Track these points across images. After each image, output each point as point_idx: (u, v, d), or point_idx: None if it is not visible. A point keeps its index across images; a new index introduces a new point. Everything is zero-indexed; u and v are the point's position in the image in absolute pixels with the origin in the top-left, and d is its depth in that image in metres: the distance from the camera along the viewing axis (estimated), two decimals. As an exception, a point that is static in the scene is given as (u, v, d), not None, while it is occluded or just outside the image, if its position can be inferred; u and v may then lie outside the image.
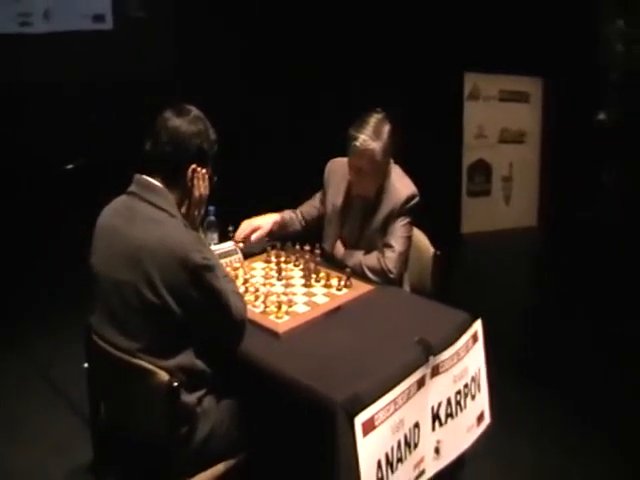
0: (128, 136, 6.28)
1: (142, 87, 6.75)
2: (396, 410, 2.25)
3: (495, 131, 6.32)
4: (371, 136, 2.84)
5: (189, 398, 2.20)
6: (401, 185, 3.00)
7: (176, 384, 2.07)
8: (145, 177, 2.24)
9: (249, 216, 3.19)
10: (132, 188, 2.27)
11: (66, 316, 4.29)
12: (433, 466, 2.48)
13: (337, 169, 3.13)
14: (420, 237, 3.26)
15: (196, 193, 2.30)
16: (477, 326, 2.67)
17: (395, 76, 6.46)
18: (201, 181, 2.30)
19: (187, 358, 2.20)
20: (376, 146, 2.84)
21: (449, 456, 2.55)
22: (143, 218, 2.19)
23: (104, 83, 6.78)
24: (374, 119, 2.89)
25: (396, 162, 3.07)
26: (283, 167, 6.35)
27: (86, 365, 3.23)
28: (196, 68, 7.05)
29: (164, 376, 2.08)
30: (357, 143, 2.84)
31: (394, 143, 2.94)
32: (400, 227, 2.96)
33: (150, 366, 2.11)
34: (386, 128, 2.89)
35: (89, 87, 6.72)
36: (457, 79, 6.13)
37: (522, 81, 6.29)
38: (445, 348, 2.48)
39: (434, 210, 3.37)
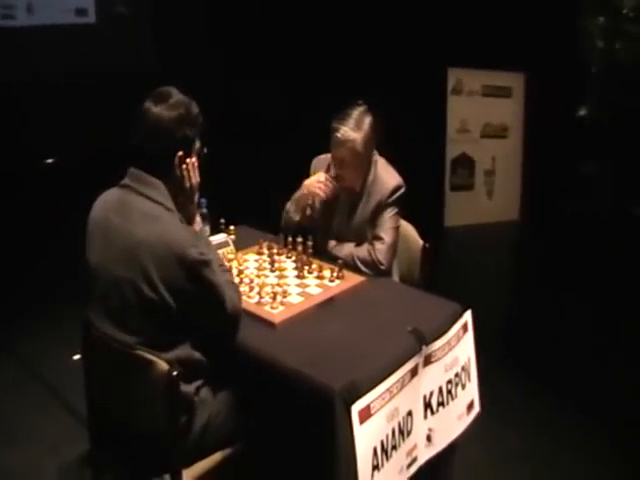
0: (112, 129, 6.32)
1: (125, 79, 6.74)
2: (391, 398, 2.29)
3: (478, 125, 6.37)
4: (352, 127, 2.89)
5: (187, 388, 2.22)
6: (387, 176, 3.05)
7: (175, 373, 2.09)
8: (139, 170, 2.23)
9: (240, 208, 3.21)
10: (126, 181, 2.25)
11: (57, 315, 4.34)
12: (425, 453, 2.52)
13: (322, 165, 3.17)
14: (409, 229, 3.31)
15: (186, 182, 2.30)
16: (467, 316, 2.72)
17: (379, 71, 6.51)
18: (190, 168, 2.29)
19: (184, 350, 2.22)
20: (357, 137, 2.89)
21: (440, 444, 2.59)
22: (139, 213, 2.18)
23: (87, 76, 6.78)
24: (356, 111, 2.94)
25: (380, 155, 3.12)
26: (273, 160, 6.37)
27: (77, 357, 3.26)
28: (179, 60, 7.05)
29: (164, 366, 2.10)
30: (338, 134, 2.90)
31: (377, 134, 2.99)
32: (388, 218, 3.02)
33: (150, 356, 2.12)
34: (367, 119, 2.94)
35: (72, 80, 6.71)
36: (441, 74, 6.17)
37: (504, 76, 6.34)
38: (437, 338, 2.52)
39: (418, 204, 3.40)
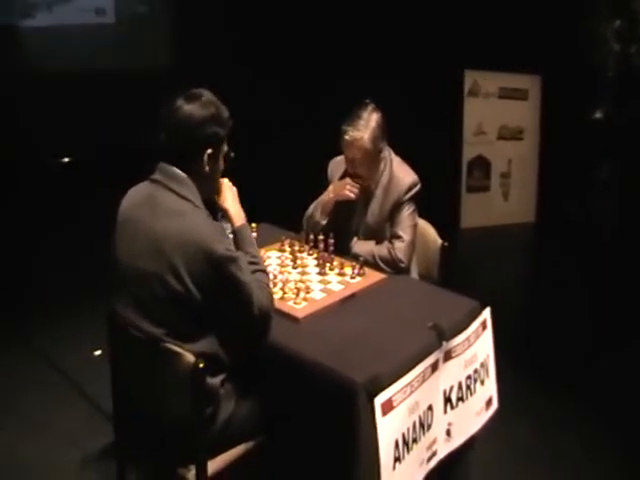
0: (130, 127, 6.38)
1: (144, 78, 6.81)
2: (412, 392, 2.33)
3: (494, 128, 6.40)
4: (359, 127, 2.98)
5: (213, 381, 2.26)
6: (403, 174, 3.12)
7: (202, 366, 2.14)
8: (168, 165, 2.28)
9: (257, 208, 3.27)
10: (156, 176, 2.30)
11: (76, 308, 4.40)
12: (445, 447, 2.57)
13: (338, 166, 3.25)
14: (427, 228, 3.35)
15: (213, 176, 2.37)
16: (486, 314, 2.76)
17: (397, 73, 6.53)
18: (217, 163, 2.35)
19: (210, 344, 2.25)
20: (364, 135, 2.97)
21: (459, 438, 2.64)
22: (167, 209, 2.23)
23: (105, 75, 6.84)
24: (364, 112, 3.02)
25: (401, 156, 3.19)
26: (290, 159, 6.40)
27: (97, 353, 3.31)
28: (197, 60, 7.10)
29: (190, 358, 2.15)
30: (346, 136, 2.99)
31: (384, 129, 3.06)
32: (406, 217, 3.08)
33: (176, 348, 2.17)
34: (374, 117, 3.02)
35: (91, 78, 6.77)
36: (457, 76, 6.20)
37: (521, 78, 6.37)
38: (457, 334, 2.57)
39: (434, 205, 3.45)
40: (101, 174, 5.92)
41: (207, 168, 2.31)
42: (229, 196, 2.56)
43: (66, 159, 7.11)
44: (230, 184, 2.58)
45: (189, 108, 2.25)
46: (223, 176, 2.51)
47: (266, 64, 7.20)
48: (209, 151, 2.29)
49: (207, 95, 2.32)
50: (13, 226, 5.52)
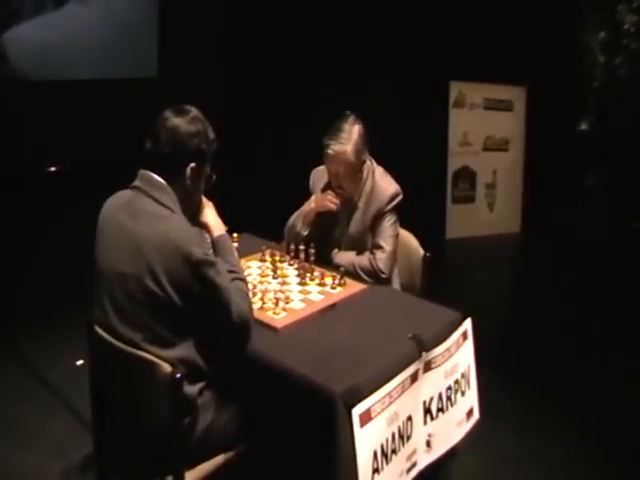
0: (113, 136, 6.39)
1: (124, 86, 6.84)
2: (391, 403, 2.34)
3: (480, 138, 6.45)
4: (341, 141, 2.98)
5: (190, 390, 2.26)
6: (385, 184, 3.14)
7: (179, 375, 2.14)
8: (149, 173, 2.31)
9: (241, 218, 3.27)
10: (137, 183, 2.33)
11: (60, 317, 4.38)
12: (425, 458, 2.57)
13: (321, 176, 3.27)
14: (410, 238, 3.37)
15: (195, 192, 2.41)
16: (467, 325, 2.78)
17: (381, 84, 6.57)
18: (199, 180, 2.39)
19: (188, 351, 2.25)
20: (347, 149, 2.98)
21: (440, 449, 2.64)
22: (147, 213, 2.25)
23: (88, 84, 6.86)
24: (345, 124, 3.02)
25: (384, 167, 3.21)
26: (273, 169, 6.43)
27: (80, 362, 3.31)
28: (180, 70, 7.13)
29: (167, 367, 2.15)
30: (329, 150, 3.00)
31: (367, 140, 3.07)
32: (388, 227, 3.10)
33: (153, 358, 2.17)
34: (356, 129, 3.03)
35: (72, 87, 6.79)
36: (443, 87, 6.25)
37: (506, 90, 6.43)
38: (437, 344, 2.57)
39: (419, 216, 3.46)
40: (86, 184, 5.90)
41: (189, 182, 2.34)
42: (206, 210, 2.60)
43: (52, 168, 7.11)
44: (205, 199, 2.61)
45: (177, 121, 2.30)
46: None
47: (249, 74, 7.23)
48: (192, 165, 2.32)
49: (195, 112, 2.37)
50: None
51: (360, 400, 2.20)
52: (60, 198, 6.18)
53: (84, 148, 6.83)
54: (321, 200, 3.12)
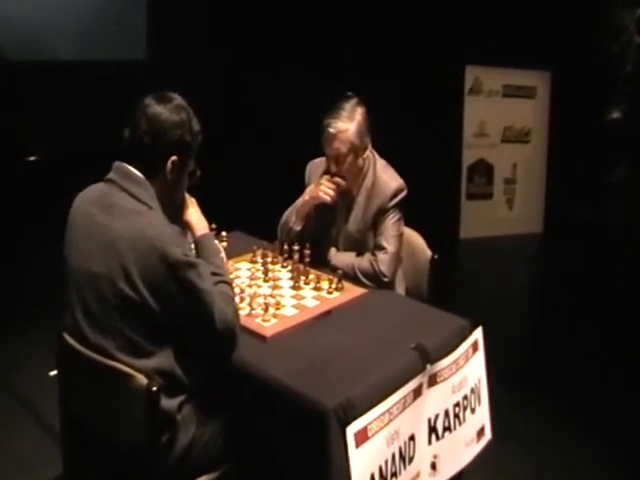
0: (96, 123, 6.38)
1: (111, 69, 6.83)
2: (391, 420, 2.31)
3: (498, 129, 6.43)
4: (343, 120, 2.99)
5: (169, 404, 2.25)
6: (388, 178, 3.12)
7: (155, 388, 2.13)
8: (125, 165, 2.30)
9: (231, 214, 3.25)
10: (111, 175, 2.32)
11: (29, 323, 4.37)
12: (430, 483, 2.55)
13: (318, 169, 3.25)
14: (415, 238, 3.36)
15: (176, 188, 2.40)
16: (477, 334, 2.75)
17: (390, 69, 6.54)
18: (181, 175, 2.38)
19: (166, 360, 2.24)
20: (350, 127, 2.98)
21: (446, 473, 2.62)
22: (121, 209, 2.24)
23: (70, 66, 6.86)
24: (347, 104, 3.03)
25: (390, 162, 3.19)
26: (267, 162, 6.40)
27: (53, 373, 3.29)
28: (170, 54, 7.12)
29: (142, 380, 2.14)
30: (330, 129, 2.99)
31: (370, 125, 3.07)
32: (391, 225, 3.08)
33: (128, 369, 2.16)
34: (359, 110, 3.03)
35: (53, 68, 6.79)
36: (458, 72, 6.23)
37: (528, 75, 6.41)
38: (443, 356, 2.55)
39: (431, 214, 3.44)
40: (69, 174, 5.89)
41: (169, 177, 2.33)
42: (189, 207, 2.60)
43: (32, 157, 7.12)
44: (188, 196, 2.61)
45: (159, 109, 2.29)
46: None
47: (244, 60, 7.21)
48: (174, 158, 2.31)
49: (179, 100, 2.36)
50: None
51: (356, 417, 2.18)
52: (39, 190, 6.17)
53: (66, 135, 6.82)
54: (315, 190, 3.10)
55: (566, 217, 6.36)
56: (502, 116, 6.40)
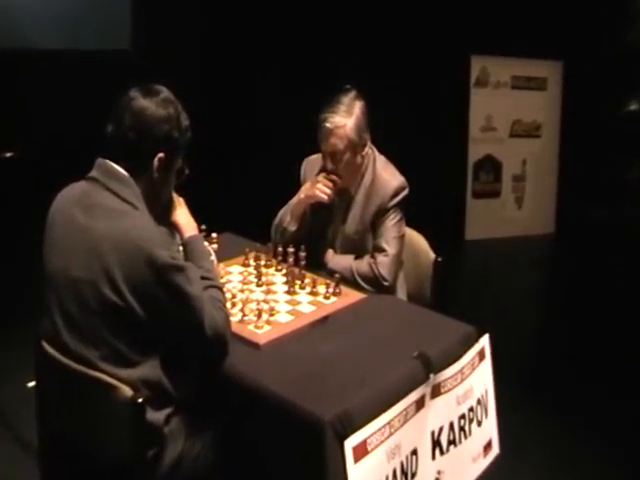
0: (77, 117, 6.38)
1: (94, 59, 6.83)
2: (392, 434, 2.32)
3: (506, 123, 6.45)
4: (341, 114, 3.00)
5: (155, 416, 2.26)
6: (388, 176, 3.14)
7: (141, 400, 2.13)
8: (109, 162, 2.30)
9: (222, 215, 3.27)
10: (93, 173, 2.32)
11: (9, 334, 4.37)
12: (433, 499, 2.57)
13: (314, 167, 3.27)
14: (417, 239, 3.38)
15: (163, 187, 2.42)
16: (484, 341, 2.77)
17: (390, 60, 6.53)
18: (169, 173, 2.39)
19: (153, 370, 2.25)
20: (348, 122, 2.99)
21: (452, 489, 2.64)
22: (104, 209, 2.24)
23: (50, 55, 6.85)
24: (345, 97, 3.05)
25: (390, 158, 3.21)
26: (258, 161, 6.41)
27: (31, 384, 3.30)
28: (156, 39, 7.11)
29: (127, 391, 2.14)
30: (327, 124, 3.00)
31: (369, 120, 3.08)
32: (391, 226, 3.10)
33: (112, 380, 2.16)
34: (358, 104, 3.05)
35: (31, 57, 6.78)
36: (463, 63, 6.24)
37: (539, 65, 6.43)
38: (447, 365, 2.56)
39: (434, 213, 3.45)
40: (49, 172, 5.90)
41: (156, 175, 2.34)
42: (176, 207, 2.62)
43: (8, 154, 7.12)
44: (176, 195, 2.63)
45: (145, 102, 2.30)
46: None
47: (234, 54, 7.20)
48: (161, 155, 2.32)
49: (166, 93, 2.37)
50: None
51: (354, 430, 2.19)
52: (18, 190, 6.16)
53: (45, 129, 6.82)
54: (310, 189, 3.12)
55: (579, 217, 6.38)
56: (511, 109, 6.42)
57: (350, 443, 2.18)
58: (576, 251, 6.21)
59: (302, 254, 3.01)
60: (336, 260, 3.14)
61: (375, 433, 2.26)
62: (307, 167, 3.34)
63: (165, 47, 7.05)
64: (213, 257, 3.05)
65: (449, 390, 2.58)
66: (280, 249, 3.12)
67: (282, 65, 6.86)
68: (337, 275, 2.94)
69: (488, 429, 2.81)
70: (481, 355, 2.76)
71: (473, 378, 2.70)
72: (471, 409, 2.70)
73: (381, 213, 3.09)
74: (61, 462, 2.46)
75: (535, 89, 6.49)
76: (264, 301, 2.75)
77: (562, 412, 3.97)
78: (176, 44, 7.14)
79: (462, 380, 2.64)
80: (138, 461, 2.21)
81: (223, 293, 2.49)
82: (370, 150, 3.15)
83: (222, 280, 2.92)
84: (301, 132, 3.56)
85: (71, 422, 2.38)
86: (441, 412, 2.57)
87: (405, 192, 3.12)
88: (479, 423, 2.75)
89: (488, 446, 2.82)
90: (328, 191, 3.06)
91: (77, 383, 2.23)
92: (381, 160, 3.18)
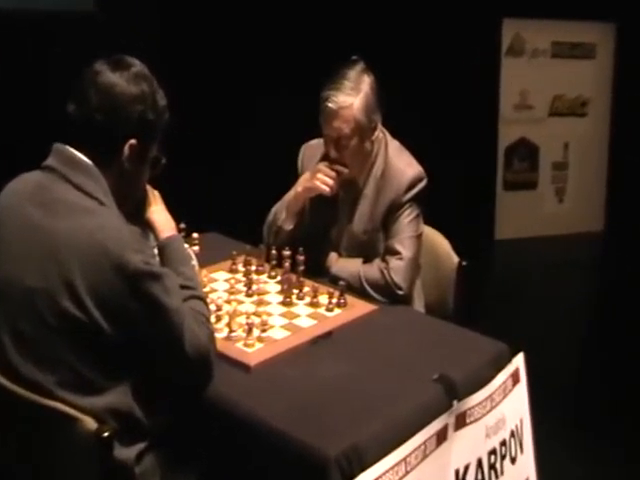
0: (31, 93, 6.37)
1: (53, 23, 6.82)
2: (408, 472, 2.32)
3: (545, 99, 6.45)
4: (347, 92, 2.99)
5: (125, 453, 2.25)
6: (402, 164, 3.15)
7: (107, 434, 2.13)
8: (69, 148, 2.29)
9: (206, 212, 3.27)
10: (50, 162, 2.31)
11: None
12: None
13: (314, 153, 3.28)
14: (439, 240, 3.39)
15: (135, 179, 2.42)
16: (519, 362, 2.77)
17: (407, 25, 6.50)
18: (142, 163, 2.39)
19: (122, 397, 2.25)
20: (354, 101, 2.99)
21: (481, 540, 2.64)
22: (65, 206, 2.24)
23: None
24: (351, 72, 3.04)
25: (405, 144, 3.21)
26: (248, 149, 6.40)
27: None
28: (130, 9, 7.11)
29: (91, 423, 2.13)
30: (329, 104, 2.99)
31: (380, 101, 3.08)
32: (407, 224, 3.11)
33: (71, 410, 2.15)
34: (366, 79, 3.05)
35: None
36: (493, 27, 6.23)
37: (585, 29, 6.41)
38: (474, 390, 2.57)
39: (458, 209, 3.43)
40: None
41: (127, 165, 2.33)
42: (151, 203, 2.63)
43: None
44: (150, 189, 2.64)
45: (114, 78, 2.28)
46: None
47: (224, 26, 7.20)
48: (132, 141, 2.31)
49: (139, 66, 2.36)
50: None
51: (364, 468, 2.19)
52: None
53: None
54: (310, 180, 3.12)
55: (633, 212, 6.36)
56: (550, 83, 6.41)
57: (359, 483, 2.18)
58: (629, 253, 6.20)
59: (300, 258, 3.01)
60: (341, 265, 3.14)
61: (388, 471, 2.26)
62: (306, 154, 3.34)
63: (139, 9, 7.03)
64: (195, 262, 3.05)
65: (476, 420, 2.59)
66: (274, 252, 3.13)
67: (276, 28, 6.84)
68: (342, 282, 2.94)
69: (525, 466, 2.82)
70: (515, 378, 2.76)
71: (505, 405, 2.70)
72: (503, 443, 2.71)
73: (394, 209, 3.10)
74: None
75: (581, 58, 6.46)
76: (255, 314, 2.76)
77: (612, 445, 3.96)
78: (152, 6, 7.13)
79: (492, 408, 2.65)
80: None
81: (207, 305, 2.50)
82: (381, 134, 3.15)
83: (205, 289, 2.92)
84: (300, 112, 3.56)
85: (24, 459, 2.37)
86: (467, 446, 2.57)
87: (423, 184, 3.12)
88: (513, 460, 2.76)
89: (524, 487, 2.82)
90: (331, 182, 3.06)
91: (30, 414, 2.22)
92: (394, 146, 3.18)
